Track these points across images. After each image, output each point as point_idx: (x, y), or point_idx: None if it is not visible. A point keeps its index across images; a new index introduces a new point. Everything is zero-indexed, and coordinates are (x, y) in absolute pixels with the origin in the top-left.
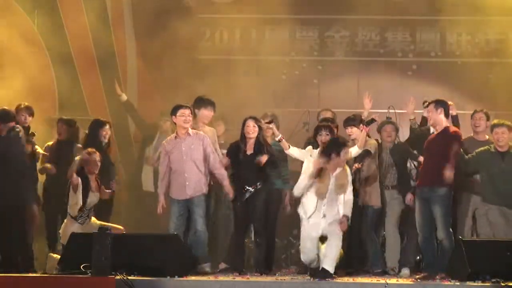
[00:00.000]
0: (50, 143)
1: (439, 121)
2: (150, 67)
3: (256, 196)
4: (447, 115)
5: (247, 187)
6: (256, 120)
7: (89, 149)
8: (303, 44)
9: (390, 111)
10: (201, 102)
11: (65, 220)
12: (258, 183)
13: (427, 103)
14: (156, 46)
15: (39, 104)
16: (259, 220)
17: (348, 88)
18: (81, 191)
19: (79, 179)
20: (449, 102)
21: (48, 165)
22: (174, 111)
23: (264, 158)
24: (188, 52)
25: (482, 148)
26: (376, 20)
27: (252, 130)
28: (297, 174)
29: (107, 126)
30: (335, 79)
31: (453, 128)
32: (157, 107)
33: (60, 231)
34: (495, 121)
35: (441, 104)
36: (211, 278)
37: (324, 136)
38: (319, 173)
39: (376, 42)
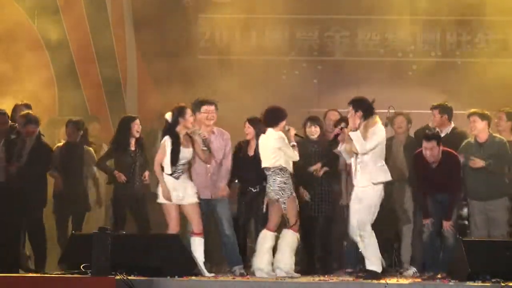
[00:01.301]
0: (60, 144)
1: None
2: (150, 67)
3: (258, 197)
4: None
5: (249, 188)
6: (250, 120)
7: (179, 105)
8: (303, 44)
9: (390, 111)
10: (196, 105)
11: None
12: (260, 184)
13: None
14: (156, 46)
15: (39, 104)
16: (261, 220)
17: (348, 88)
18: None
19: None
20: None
21: (57, 175)
22: (197, 107)
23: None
24: (188, 52)
25: (465, 141)
26: (376, 20)
27: (246, 131)
28: None
29: (137, 120)
30: (335, 79)
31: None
32: (157, 107)
33: (158, 190)
34: (470, 110)
35: (445, 110)
36: (211, 278)
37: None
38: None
39: (376, 42)
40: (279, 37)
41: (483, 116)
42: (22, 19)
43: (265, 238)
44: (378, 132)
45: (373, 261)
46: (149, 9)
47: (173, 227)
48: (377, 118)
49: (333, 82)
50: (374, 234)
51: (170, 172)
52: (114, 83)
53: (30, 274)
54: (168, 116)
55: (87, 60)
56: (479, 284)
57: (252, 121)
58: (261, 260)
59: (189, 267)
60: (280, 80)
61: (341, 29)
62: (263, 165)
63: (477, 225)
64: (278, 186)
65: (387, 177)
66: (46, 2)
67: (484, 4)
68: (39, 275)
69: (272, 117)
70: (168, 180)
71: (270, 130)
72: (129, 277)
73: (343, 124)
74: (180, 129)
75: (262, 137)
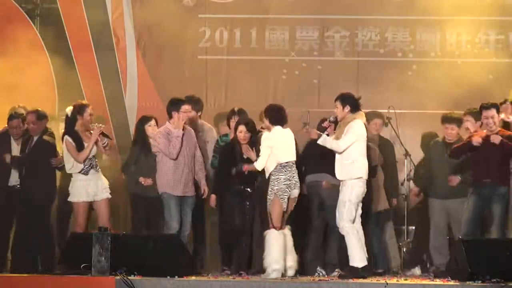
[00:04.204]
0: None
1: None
2: (150, 67)
3: (250, 198)
4: None
5: (246, 188)
6: (247, 125)
7: (80, 102)
8: (303, 44)
9: (390, 111)
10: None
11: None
12: (254, 184)
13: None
14: (156, 46)
15: (39, 104)
16: (251, 221)
17: (348, 88)
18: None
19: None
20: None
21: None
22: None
23: (248, 168)
24: (188, 52)
25: (433, 140)
26: (376, 20)
27: (244, 137)
28: None
29: (153, 121)
30: (335, 79)
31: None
32: (157, 107)
33: (69, 188)
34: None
35: None
36: (211, 278)
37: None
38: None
39: (376, 42)
40: (279, 37)
41: (459, 122)
42: (22, 20)
43: (276, 237)
44: (354, 129)
45: (353, 257)
46: (149, 9)
47: (81, 224)
48: (359, 115)
49: (333, 82)
50: (354, 231)
51: (79, 170)
52: (114, 83)
53: (30, 275)
54: (68, 110)
55: (87, 60)
56: (479, 284)
57: (249, 125)
58: (276, 260)
59: (189, 267)
60: (280, 80)
61: (341, 29)
62: (287, 159)
63: (436, 224)
64: (284, 184)
65: (356, 174)
66: (47, 3)
67: (484, 4)
68: (39, 275)
69: (281, 116)
70: (79, 178)
71: (279, 127)
72: (129, 277)
73: (331, 118)
74: (79, 127)
75: (280, 132)
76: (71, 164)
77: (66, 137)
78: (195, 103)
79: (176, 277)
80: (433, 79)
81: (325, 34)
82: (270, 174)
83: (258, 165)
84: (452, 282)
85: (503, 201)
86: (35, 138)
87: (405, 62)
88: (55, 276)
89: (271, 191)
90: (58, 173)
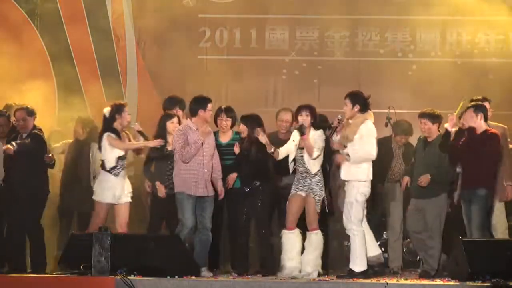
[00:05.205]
0: (70, 140)
1: (478, 126)
2: (150, 67)
3: (255, 196)
4: (486, 119)
5: (243, 187)
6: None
7: (117, 102)
8: (303, 44)
9: (390, 111)
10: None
11: (98, 177)
12: (255, 182)
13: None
14: (156, 46)
15: (39, 104)
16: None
17: (348, 88)
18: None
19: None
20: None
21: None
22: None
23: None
24: (188, 52)
25: (418, 137)
26: (376, 20)
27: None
28: None
29: (175, 119)
30: (335, 79)
31: (491, 130)
32: (157, 107)
33: (94, 186)
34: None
35: (480, 109)
36: (211, 278)
37: (304, 117)
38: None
39: (376, 42)
40: (279, 37)
41: (433, 118)
42: (22, 21)
43: (296, 237)
44: (371, 131)
45: (354, 260)
46: (149, 9)
47: (97, 226)
48: (369, 115)
49: (333, 82)
50: (361, 235)
51: (111, 167)
52: (114, 83)
53: (30, 275)
54: (106, 111)
55: (87, 60)
56: (479, 284)
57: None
58: (297, 260)
59: (189, 267)
60: (280, 80)
61: (341, 29)
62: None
63: (413, 223)
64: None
65: (361, 177)
66: (46, 3)
67: (484, 4)
68: (39, 275)
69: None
70: (107, 179)
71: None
72: (129, 277)
73: (340, 116)
74: (116, 126)
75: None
76: (110, 160)
77: (108, 133)
78: (180, 103)
79: (176, 277)
80: (433, 79)
81: (325, 34)
82: (315, 175)
83: (315, 155)
84: (452, 282)
85: (481, 202)
86: (25, 136)
87: (405, 62)
88: (55, 276)
89: (320, 191)
90: (57, 173)
